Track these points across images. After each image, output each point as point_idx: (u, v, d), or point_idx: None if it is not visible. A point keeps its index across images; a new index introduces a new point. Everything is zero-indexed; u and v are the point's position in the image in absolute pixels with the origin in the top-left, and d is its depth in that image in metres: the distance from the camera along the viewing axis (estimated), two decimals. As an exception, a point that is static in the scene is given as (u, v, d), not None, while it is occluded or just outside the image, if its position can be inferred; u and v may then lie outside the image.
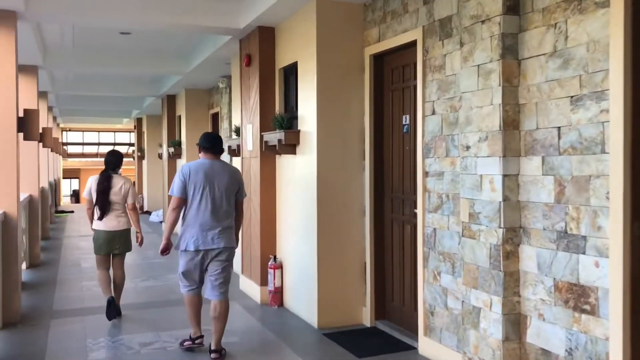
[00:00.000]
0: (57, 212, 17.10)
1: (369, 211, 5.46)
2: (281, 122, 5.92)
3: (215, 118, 11.45)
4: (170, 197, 4.63)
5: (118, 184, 5.65)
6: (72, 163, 27.12)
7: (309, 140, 5.60)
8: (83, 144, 27.32)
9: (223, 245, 4.51)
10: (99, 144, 27.98)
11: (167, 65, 9.67)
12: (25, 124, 5.96)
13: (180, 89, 11.86)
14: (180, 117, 12.45)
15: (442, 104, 4.41)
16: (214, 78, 10.15)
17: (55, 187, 16.64)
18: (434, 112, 4.51)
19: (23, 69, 8.46)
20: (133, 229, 5.79)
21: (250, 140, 6.77)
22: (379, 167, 5.46)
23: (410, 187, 5.02)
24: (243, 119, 7.05)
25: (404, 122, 5.11)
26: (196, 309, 4.67)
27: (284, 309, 6.19)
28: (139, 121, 19.42)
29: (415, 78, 4.86)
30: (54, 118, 17.55)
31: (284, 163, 6.24)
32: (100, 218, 5.60)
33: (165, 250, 4.62)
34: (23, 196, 8.08)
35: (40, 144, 8.86)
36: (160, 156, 15.08)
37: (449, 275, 4.34)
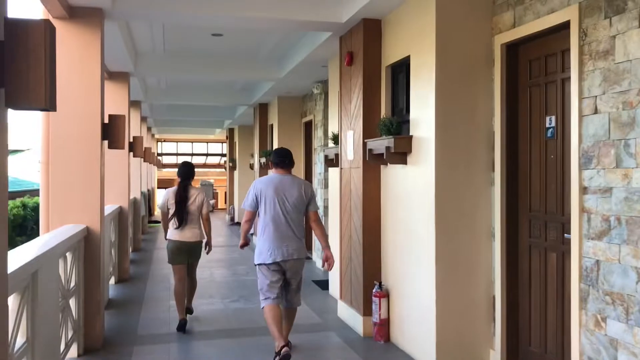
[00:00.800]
0: (150, 222, 16.86)
1: (499, 234, 4.49)
2: (389, 126, 5.09)
3: (308, 127, 10.81)
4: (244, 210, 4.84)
5: (193, 195, 5.75)
6: (167, 173, 27.34)
7: (424, 148, 4.73)
8: (177, 154, 27.48)
9: (296, 257, 4.70)
10: (192, 154, 28.29)
11: (260, 70, 9.12)
12: (110, 131, 5.45)
13: (273, 96, 11.34)
14: (272, 126, 11.95)
15: (609, 100, 3.41)
16: (308, 84, 9.50)
17: (149, 197, 16.48)
18: (596, 111, 3.50)
19: (114, 76, 8.42)
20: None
21: (350, 149, 5.99)
22: (512, 180, 4.48)
23: (557, 205, 4.01)
24: (342, 126, 6.29)
25: (547, 125, 4.11)
26: (277, 319, 4.64)
27: (391, 344, 5.31)
28: (230, 132, 19.23)
29: (565, 69, 3.88)
30: (149, 129, 17.77)
31: (392, 174, 5.39)
32: (179, 227, 5.67)
33: (245, 245, 4.96)
34: (112, 208, 7.91)
35: (131, 153, 8.57)
36: (251, 166, 14.74)
37: (621, 323, 3.31)
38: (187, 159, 28.33)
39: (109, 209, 7.37)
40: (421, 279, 4.74)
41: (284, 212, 4.68)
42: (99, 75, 5.28)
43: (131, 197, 9.32)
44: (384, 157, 5.10)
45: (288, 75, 8.75)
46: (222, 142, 25.71)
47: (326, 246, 4.83)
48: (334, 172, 7.22)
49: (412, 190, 4.94)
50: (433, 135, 4.54)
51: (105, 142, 5.48)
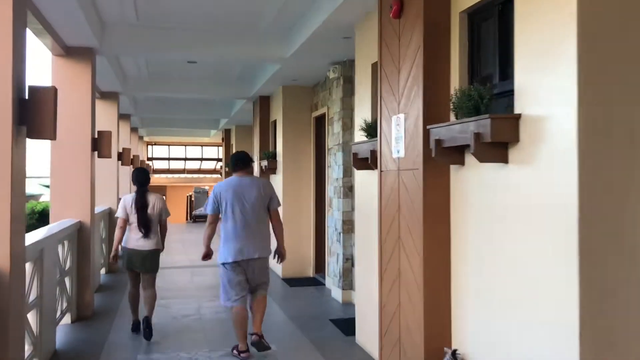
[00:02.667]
0: None
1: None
2: (477, 102, 3.12)
3: (320, 122, 8.74)
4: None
5: (152, 202, 5.58)
6: (159, 180, 25.11)
7: (546, 135, 2.76)
8: (169, 158, 25.21)
9: (258, 256, 4.90)
10: (185, 159, 26.02)
11: (262, 47, 7.10)
12: (99, 144, 6.69)
13: (276, 86, 9.28)
14: (275, 122, 9.87)
15: None
16: (322, 66, 7.46)
17: None
18: None
19: (105, 95, 9.54)
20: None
21: (400, 143, 4.02)
22: None
23: None
24: (383, 110, 4.32)
25: None
26: (243, 322, 4.84)
27: None
28: (227, 133, 17.25)
29: None
30: (133, 129, 15.61)
31: (475, 179, 3.42)
32: (145, 236, 5.48)
33: (206, 257, 5.09)
34: (102, 208, 9.06)
35: (119, 162, 9.73)
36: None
37: None
38: (180, 163, 26.33)
39: (100, 209, 8.66)
40: (546, 347, 2.76)
41: (244, 212, 4.87)
42: (90, 99, 6.59)
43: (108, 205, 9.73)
44: (473, 150, 3.10)
45: (297, 53, 6.74)
46: (217, 146, 23.55)
47: (281, 242, 5.14)
48: (367, 176, 5.21)
49: (521, 206, 2.97)
50: (574, 114, 2.57)
51: (95, 153, 6.73)
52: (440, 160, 3.54)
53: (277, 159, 9.35)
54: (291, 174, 9.02)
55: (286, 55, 7.04)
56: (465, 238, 3.53)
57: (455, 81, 3.64)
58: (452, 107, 3.37)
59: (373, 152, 4.62)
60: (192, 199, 22.58)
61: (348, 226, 6.92)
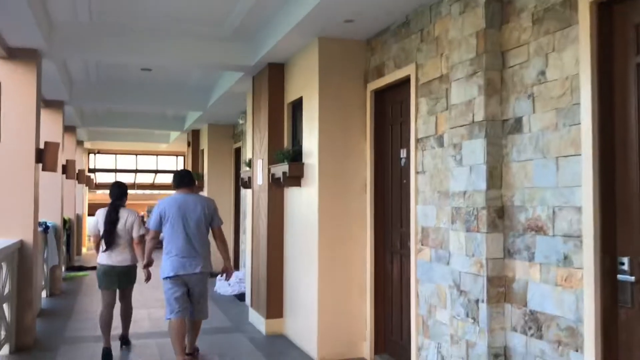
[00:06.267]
0: (70, 267, 11.88)
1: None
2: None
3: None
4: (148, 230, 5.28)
5: (124, 217, 5.57)
6: (101, 197, 19.34)
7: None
8: (116, 170, 20.23)
9: (198, 271, 5.07)
10: (136, 170, 20.77)
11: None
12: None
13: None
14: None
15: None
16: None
17: (70, 228, 11.76)
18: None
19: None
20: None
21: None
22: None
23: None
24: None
25: (401, 156, 5.16)
26: (181, 334, 5.00)
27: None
28: (194, 135, 13.47)
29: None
30: (80, 142, 15.17)
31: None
32: (106, 250, 5.51)
33: (148, 265, 5.27)
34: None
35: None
36: (246, 184, 8.67)
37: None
38: (130, 176, 20.99)
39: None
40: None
41: (186, 229, 5.04)
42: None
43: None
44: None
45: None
46: (177, 155, 19.81)
47: (227, 259, 5.36)
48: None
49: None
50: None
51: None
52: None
53: (306, 161, 5.92)
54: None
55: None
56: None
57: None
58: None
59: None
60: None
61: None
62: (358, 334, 5.53)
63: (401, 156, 5.13)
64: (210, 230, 5.27)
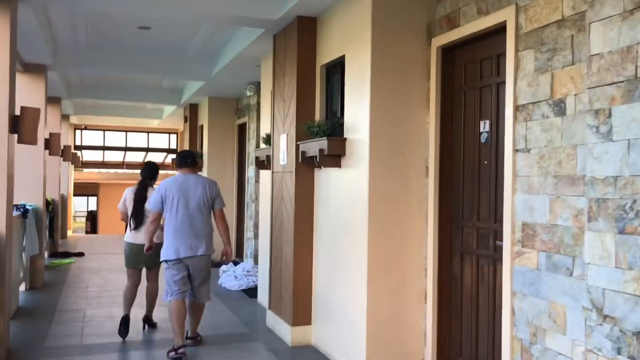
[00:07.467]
0: (55, 254, 10.82)
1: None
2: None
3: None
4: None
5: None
6: (88, 175, 20.58)
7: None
8: (104, 148, 18.85)
9: (200, 253, 4.98)
10: (126, 148, 19.24)
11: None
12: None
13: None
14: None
15: (548, 102, 3.13)
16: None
17: (53, 210, 10.74)
18: (535, 114, 3.28)
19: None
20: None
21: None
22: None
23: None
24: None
25: (481, 130, 4.03)
26: (181, 315, 4.91)
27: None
28: (192, 110, 11.92)
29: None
30: (66, 116, 14.15)
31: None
32: (134, 229, 5.50)
33: (150, 249, 5.14)
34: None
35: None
36: (263, 163, 7.44)
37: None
38: (119, 155, 20.45)
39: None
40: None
41: (188, 210, 4.93)
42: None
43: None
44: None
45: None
46: (169, 133, 18.39)
47: (227, 243, 5.16)
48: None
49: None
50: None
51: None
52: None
53: (348, 136, 4.72)
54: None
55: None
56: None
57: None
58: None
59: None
60: None
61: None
62: (414, 349, 4.44)
63: (481, 130, 4.00)
64: (212, 213, 5.13)
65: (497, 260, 3.79)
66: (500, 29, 3.69)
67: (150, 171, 5.72)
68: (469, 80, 4.16)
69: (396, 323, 4.41)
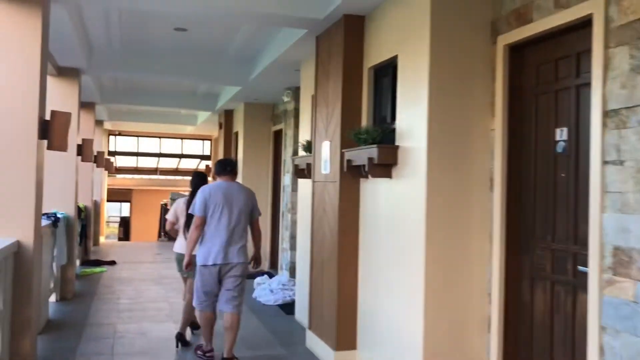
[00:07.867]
0: (87, 262, 10.52)
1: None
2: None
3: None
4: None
5: None
6: (122, 181, 20.39)
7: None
8: (137, 154, 18.76)
9: (237, 261, 4.89)
10: (160, 154, 19.13)
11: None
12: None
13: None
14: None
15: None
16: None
17: (86, 217, 10.36)
18: (629, 120, 2.78)
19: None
20: None
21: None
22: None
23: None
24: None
25: (557, 138, 3.55)
26: (209, 323, 5.00)
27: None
28: (227, 117, 11.75)
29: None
30: (100, 122, 13.98)
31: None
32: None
33: (189, 265, 4.99)
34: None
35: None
36: (303, 171, 8.86)
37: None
38: (152, 161, 20.45)
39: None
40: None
41: (230, 217, 4.87)
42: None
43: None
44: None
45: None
46: (204, 139, 18.24)
47: (258, 248, 5.20)
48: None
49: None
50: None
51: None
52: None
53: (401, 143, 4.30)
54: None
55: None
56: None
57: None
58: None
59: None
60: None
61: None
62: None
63: (557, 138, 3.53)
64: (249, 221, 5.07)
65: (578, 287, 3.31)
66: (583, 23, 3.23)
67: (200, 181, 5.66)
68: (542, 82, 3.69)
69: (456, 353, 3.93)
